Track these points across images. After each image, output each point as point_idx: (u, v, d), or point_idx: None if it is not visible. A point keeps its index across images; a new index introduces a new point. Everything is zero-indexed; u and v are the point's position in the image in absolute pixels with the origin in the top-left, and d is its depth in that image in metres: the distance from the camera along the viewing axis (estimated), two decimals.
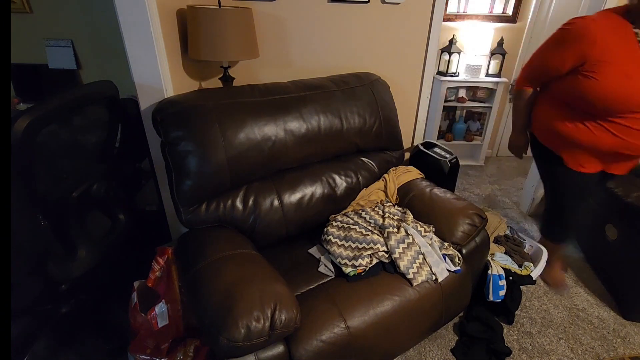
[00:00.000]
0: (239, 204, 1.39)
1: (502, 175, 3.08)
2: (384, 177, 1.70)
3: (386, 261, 1.31)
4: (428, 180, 1.70)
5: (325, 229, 1.45)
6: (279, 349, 1.05)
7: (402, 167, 1.78)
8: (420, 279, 1.26)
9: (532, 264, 1.78)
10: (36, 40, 1.91)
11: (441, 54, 2.91)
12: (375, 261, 1.30)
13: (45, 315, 1.64)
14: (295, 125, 1.43)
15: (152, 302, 1.30)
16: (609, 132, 1.29)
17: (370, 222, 1.45)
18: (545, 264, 1.82)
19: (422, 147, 2.06)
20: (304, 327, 1.09)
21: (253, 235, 1.40)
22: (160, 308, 1.28)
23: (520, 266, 1.76)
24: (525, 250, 1.89)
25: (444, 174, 1.81)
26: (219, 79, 1.53)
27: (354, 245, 1.34)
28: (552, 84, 1.38)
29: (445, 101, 3.01)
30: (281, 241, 1.48)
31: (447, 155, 1.85)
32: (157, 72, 1.30)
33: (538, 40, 2.93)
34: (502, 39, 2.88)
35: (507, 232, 1.95)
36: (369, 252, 1.30)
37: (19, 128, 0.94)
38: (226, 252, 1.19)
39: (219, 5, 1.37)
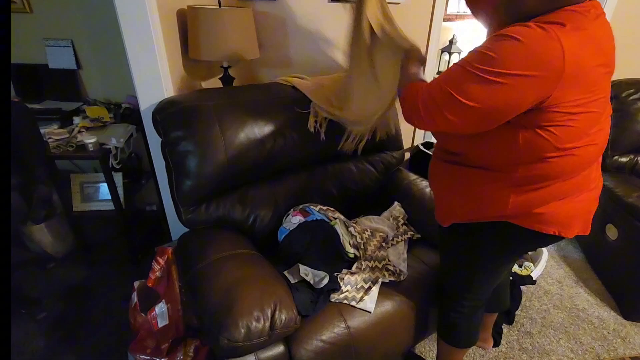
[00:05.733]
0: (239, 204, 1.39)
1: None
2: None
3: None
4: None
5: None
6: (279, 349, 1.05)
7: None
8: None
9: (532, 264, 1.78)
10: (36, 40, 1.91)
11: (441, 54, 2.91)
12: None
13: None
14: (295, 125, 1.43)
15: (152, 302, 1.30)
16: None
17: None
18: (545, 264, 1.82)
19: (422, 147, 2.06)
20: (304, 327, 1.09)
21: (253, 235, 1.40)
22: (160, 308, 1.28)
23: (520, 266, 1.76)
24: None
25: None
26: (219, 79, 1.53)
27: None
28: None
29: None
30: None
31: None
32: (157, 72, 1.29)
33: None
34: None
35: None
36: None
37: None
38: (226, 252, 1.19)
39: (219, 5, 1.36)
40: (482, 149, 0.85)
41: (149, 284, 1.30)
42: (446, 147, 0.96)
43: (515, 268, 1.73)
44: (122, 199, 1.81)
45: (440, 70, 2.94)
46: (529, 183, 0.83)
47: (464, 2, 0.98)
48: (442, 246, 1.18)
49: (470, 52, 0.75)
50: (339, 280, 1.22)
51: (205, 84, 1.60)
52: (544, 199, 0.84)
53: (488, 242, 0.98)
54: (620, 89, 1.92)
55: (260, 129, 1.34)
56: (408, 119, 0.89)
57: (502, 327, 1.61)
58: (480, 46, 0.74)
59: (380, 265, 1.31)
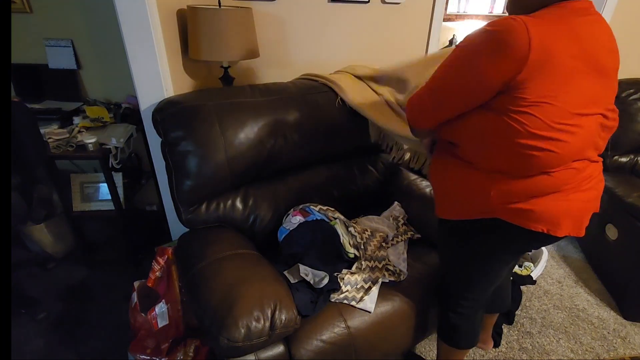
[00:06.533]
0: (239, 204, 1.39)
1: None
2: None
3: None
4: (428, 180, 1.70)
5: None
6: (279, 349, 1.05)
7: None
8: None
9: (532, 264, 1.78)
10: (36, 40, 1.91)
11: None
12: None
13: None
14: (295, 125, 1.43)
15: (152, 302, 1.30)
16: None
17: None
18: (545, 264, 1.82)
19: None
20: (304, 327, 1.09)
21: (253, 235, 1.40)
22: (160, 308, 1.28)
23: (520, 266, 1.76)
24: None
25: None
26: (219, 79, 1.53)
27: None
28: None
29: None
30: None
31: None
32: (157, 72, 1.29)
33: None
34: None
35: None
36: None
37: None
38: (226, 252, 1.19)
39: (219, 5, 1.36)
40: (466, 135, 0.90)
41: (149, 284, 1.30)
42: (444, 137, 0.99)
43: (515, 268, 1.73)
44: (122, 199, 1.81)
45: None
46: (509, 173, 0.85)
47: None
48: (441, 245, 1.19)
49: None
50: (339, 280, 1.22)
51: (205, 84, 1.59)
52: (527, 191, 0.85)
53: (481, 240, 0.99)
54: (620, 89, 1.91)
55: (260, 129, 1.34)
56: (412, 123, 1.02)
57: (502, 327, 1.61)
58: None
59: (380, 265, 1.31)
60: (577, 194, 0.86)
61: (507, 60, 0.74)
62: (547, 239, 0.91)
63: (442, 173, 1.01)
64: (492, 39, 0.75)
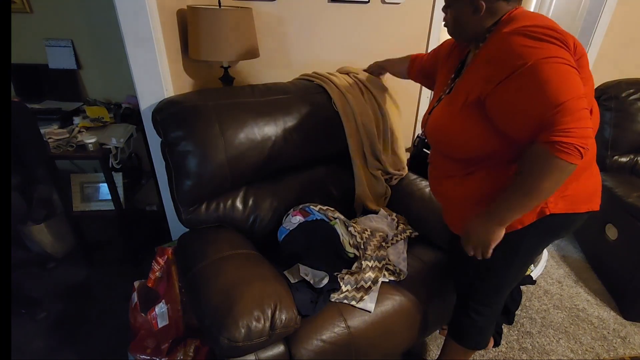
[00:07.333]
0: (239, 204, 1.39)
1: None
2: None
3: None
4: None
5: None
6: (279, 348, 1.05)
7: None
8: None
9: (532, 264, 1.78)
10: (36, 40, 1.91)
11: None
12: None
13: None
14: (295, 125, 1.43)
15: (152, 302, 1.30)
16: None
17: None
18: (545, 264, 1.82)
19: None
20: (304, 327, 1.09)
21: (253, 235, 1.40)
22: (160, 308, 1.28)
23: None
24: None
25: None
26: (219, 79, 1.53)
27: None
28: None
29: None
30: None
31: None
32: (157, 72, 1.29)
33: None
34: None
35: None
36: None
37: None
38: (226, 252, 1.19)
39: (219, 5, 1.36)
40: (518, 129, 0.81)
41: (149, 284, 1.30)
42: (471, 155, 0.91)
43: None
44: (122, 199, 1.82)
45: None
46: None
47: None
48: (474, 261, 1.01)
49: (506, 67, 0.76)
50: (339, 280, 1.22)
51: (205, 84, 1.59)
52: (572, 177, 0.79)
53: (532, 242, 0.97)
54: (620, 89, 1.92)
55: (260, 129, 1.34)
56: (576, 158, 0.73)
57: (502, 327, 1.61)
58: (511, 51, 0.76)
59: (380, 265, 1.31)
60: (594, 166, 0.95)
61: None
62: (584, 217, 0.96)
63: (479, 190, 0.93)
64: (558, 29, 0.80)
